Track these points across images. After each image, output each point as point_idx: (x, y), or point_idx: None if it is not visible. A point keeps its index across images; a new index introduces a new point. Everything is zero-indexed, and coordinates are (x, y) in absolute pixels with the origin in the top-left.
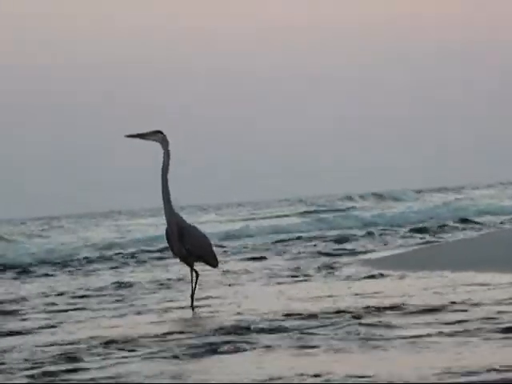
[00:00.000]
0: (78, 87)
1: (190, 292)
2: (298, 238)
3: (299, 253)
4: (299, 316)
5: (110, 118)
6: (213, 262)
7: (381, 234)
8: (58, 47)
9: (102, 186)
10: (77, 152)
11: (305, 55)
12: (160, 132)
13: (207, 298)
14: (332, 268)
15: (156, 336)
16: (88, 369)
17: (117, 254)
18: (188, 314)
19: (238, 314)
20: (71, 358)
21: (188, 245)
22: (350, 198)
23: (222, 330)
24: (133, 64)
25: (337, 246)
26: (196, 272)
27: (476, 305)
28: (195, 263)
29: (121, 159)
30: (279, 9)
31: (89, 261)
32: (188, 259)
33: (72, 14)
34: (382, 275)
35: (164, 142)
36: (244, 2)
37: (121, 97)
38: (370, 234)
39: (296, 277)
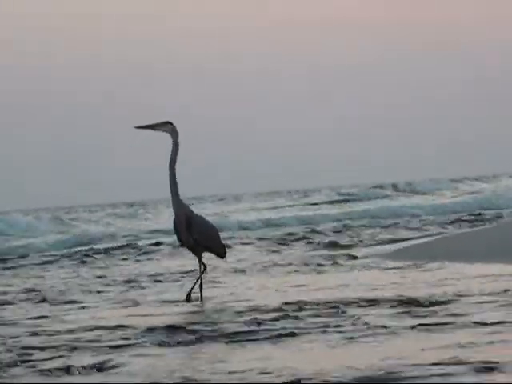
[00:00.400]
0: (78, 87)
1: (196, 284)
2: (321, 227)
3: (318, 243)
4: (288, 308)
5: (109, 118)
6: (220, 252)
7: (409, 224)
8: (58, 47)
9: (102, 185)
10: (76, 151)
11: (305, 54)
12: (170, 123)
13: (215, 287)
14: (344, 259)
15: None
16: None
17: (132, 244)
18: (193, 305)
19: (241, 304)
20: (70, 348)
21: (195, 234)
22: (380, 187)
23: (218, 321)
24: (133, 64)
25: (359, 237)
26: (204, 265)
27: (471, 296)
28: (203, 254)
29: (120, 158)
30: (279, 8)
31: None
32: (195, 249)
33: (72, 13)
34: (392, 267)
35: (173, 133)
36: (245, 1)
37: (121, 97)
38: (394, 224)
39: (308, 265)
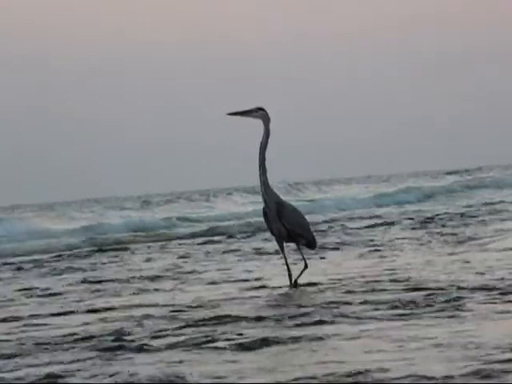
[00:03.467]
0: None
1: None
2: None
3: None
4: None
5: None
6: (313, 241)
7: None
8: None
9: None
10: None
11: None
12: (262, 109)
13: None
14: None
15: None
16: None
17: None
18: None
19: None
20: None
21: (287, 223)
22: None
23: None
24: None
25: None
26: (305, 261)
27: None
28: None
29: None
30: None
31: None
32: (289, 238)
33: None
34: None
35: (265, 119)
36: None
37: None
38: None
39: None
